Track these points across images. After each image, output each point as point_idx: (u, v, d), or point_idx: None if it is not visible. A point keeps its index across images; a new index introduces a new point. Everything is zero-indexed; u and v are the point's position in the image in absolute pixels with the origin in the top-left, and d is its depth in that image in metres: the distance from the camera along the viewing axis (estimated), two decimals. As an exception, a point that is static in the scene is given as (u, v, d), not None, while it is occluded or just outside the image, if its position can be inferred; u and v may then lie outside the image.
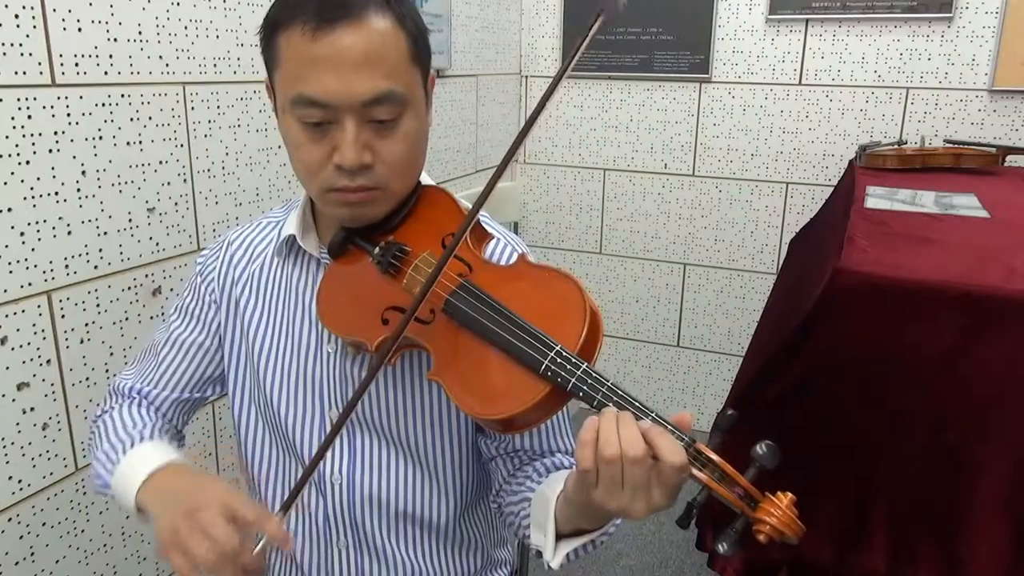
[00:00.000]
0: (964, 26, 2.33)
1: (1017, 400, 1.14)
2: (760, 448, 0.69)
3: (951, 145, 2.22)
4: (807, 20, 2.48)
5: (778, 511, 0.68)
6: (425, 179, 0.96)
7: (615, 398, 0.71)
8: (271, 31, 0.84)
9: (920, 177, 1.99)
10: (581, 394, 0.71)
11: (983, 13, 2.30)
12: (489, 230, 0.93)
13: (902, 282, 1.18)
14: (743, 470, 0.69)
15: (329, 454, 0.96)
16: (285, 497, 1.00)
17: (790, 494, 0.69)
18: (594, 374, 0.71)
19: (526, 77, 2.88)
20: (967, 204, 1.68)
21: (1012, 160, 2.22)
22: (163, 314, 1.45)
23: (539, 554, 0.85)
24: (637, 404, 0.71)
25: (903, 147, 2.24)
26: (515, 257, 0.95)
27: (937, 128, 2.42)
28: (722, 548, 0.69)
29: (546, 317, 0.76)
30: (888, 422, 1.21)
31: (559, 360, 0.72)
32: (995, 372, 1.14)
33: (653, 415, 0.70)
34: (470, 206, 0.83)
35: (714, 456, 0.69)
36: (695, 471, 0.69)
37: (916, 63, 2.40)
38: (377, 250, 0.88)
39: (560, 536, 0.82)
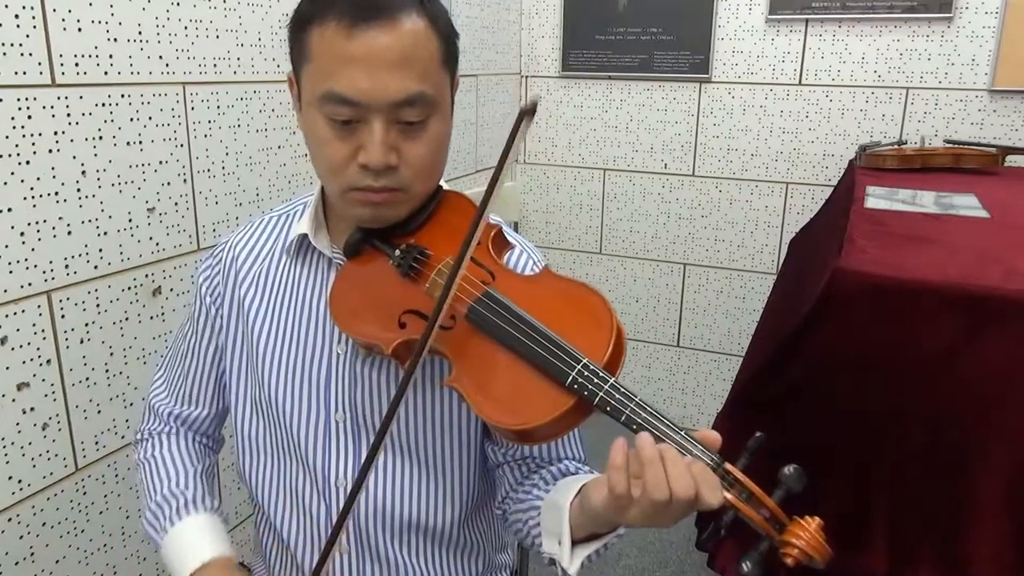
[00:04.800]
0: (964, 26, 2.33)
1: (1017, 400, 1.14)
2: (787, 470, 0.69)
3: (951, 145, 2.22)
4: (807, 20, 2.48)
5: (807, 534, 0.67)
6: (442, 184, 0.95)
7: (643, 414, 0.70)
8: (302, 25, 0.83)
9: (920, 177, 1.99)
10: (608, 409, 0.70)
11: (983, 13, 2.30)
12: (510, 240, 0.93)
13: (902, 282, 1.18)
14: (769, 492, 0.69)
15: (334, 459, 0.96)
16: (285, 501, 1.00)
17: (818, 518, 0.69)
18: (622, 389, 0.71)
19: (526, 77, 2.88)
20: (967, 204, 1.68)
21: (1012, 160, 2.22)
22: (163, 314, 1.45)
23: (551, 562, 0.84)
24: (666, 421, 0.70)
25: (903, 147, 2.24)
26: (532, 267, 0.95)
27: (937, 128, 2.42)
28: (746, 567, 0.68)
29: (572, 329, 0.75)
30: (888, 422, 1.21)
31: (586, 373, 0.71)
32: (995, 372, 1.14)
33: (682, 433, 0.70)
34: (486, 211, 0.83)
35: (742, 476, 0.69)
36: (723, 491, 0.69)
37: (916, 63, 2.40)
38: (398, 252, 0.87)
39: (575, 543, 0.82)
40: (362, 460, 0.96)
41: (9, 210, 1.16)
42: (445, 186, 0.95)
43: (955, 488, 1.18)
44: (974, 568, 1.17)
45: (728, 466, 0.69)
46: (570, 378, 0.71)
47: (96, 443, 1.35)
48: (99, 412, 1.35)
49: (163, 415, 1.08)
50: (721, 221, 2.74)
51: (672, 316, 2.89)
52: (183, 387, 1.07)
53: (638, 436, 0.70)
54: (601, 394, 0.70)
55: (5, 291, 1.17)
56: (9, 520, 1.23)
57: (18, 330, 1.20)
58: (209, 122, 1.49)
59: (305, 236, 0.95)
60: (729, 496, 0.68)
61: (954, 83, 2.38)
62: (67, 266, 1.26)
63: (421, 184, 0.87)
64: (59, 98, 1.21)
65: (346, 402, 0.95)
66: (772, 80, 2.57)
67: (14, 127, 1.15)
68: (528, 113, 0.69)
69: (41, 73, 1.18)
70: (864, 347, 1.21)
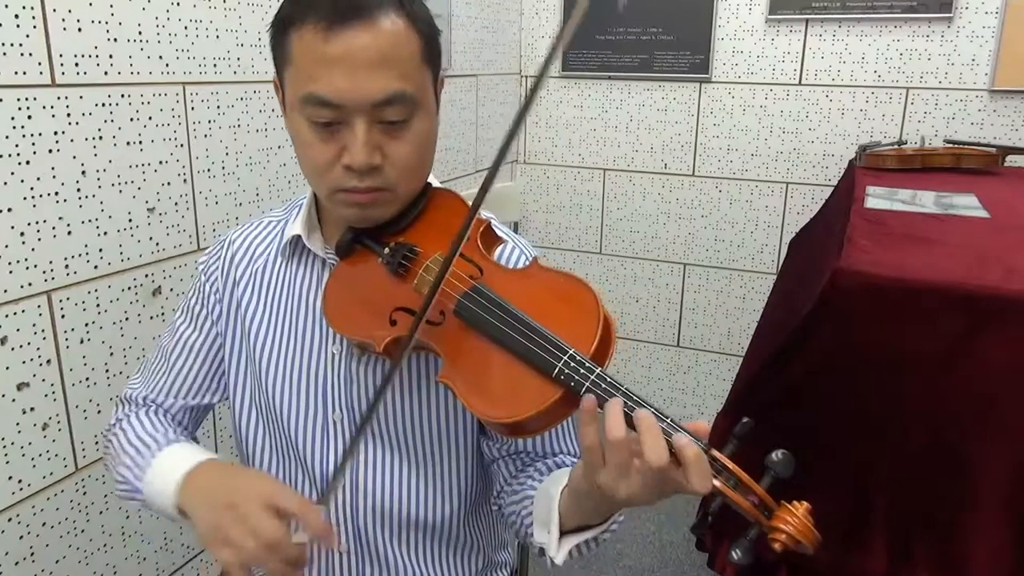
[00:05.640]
0: (964, 26, 2.33)
1: (1017, 400, 1.14)
2: (775, 456, 0.69)
3: (951, 145, 2.22)
4: (807, 20, 2.48)
5: (794, 519, 0.67)
6: (433, 181, 0.95)
7: (630, 404, 0.70)
8: (282, 28, 0.83)
9: (920, 177, 1.99)
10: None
11: (983, 13, 2.30)
12: (499, 234, 0.92)
13: (902, 282, 1.18)
14: (757, 478, 0.69)
15: (332, 458, 0.96)
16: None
17: (806, 503, 0.68)
18: (608, 378, 0.71)
19: (526, 77, 2.88)
20: (967, 204, 1.68)
21: (1012, 160, 2.22)
22: (163, 314, 1.45)
23: (541, 552, 0.85)
24: (651, 409, 0.70)
25: (903, 147, 2.24)
26: (523, 261, 0.95)
27: (937, 128, 2.42)
28: (736, 555, 0.68)
29: (559, 321, 0.75)
30: (888, 422, 1.21)
31: (572, 364, 0.71)
32: (995, 372, 1.14)
33: (668, 420, 0.70)
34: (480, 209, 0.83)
35: (729, 463, 0.69)
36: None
37: (916, 63, 2.40)
38: (387, 250, 0.88)
39: (564, 533, 0.82)
40: (360, 461, 0.96)
41: (9, 210, 1.16)
42: (435, 183, 0.95)
43: (954, 488, 1.18)
44: (972, 568, 1.17)
45: (715, 452, 0.69)
46: (556, 369, 0.71)
47: (96, 443, 1.35)
48: (99, 412, 1.35)
49: (136, 400, 1.06)
50: (721, 221, 2.74)
51: (672, 316, 2.89)
52: (163, 380, 1.04)
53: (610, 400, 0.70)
54: (587, 384, 0.70)
55: (5, 291, 1.17)
56: (9, 520, 1.23)
57: (18, 330, 1.20)
58: (209, 122, 1.49)
59: (299, 237, 0.96)
60: (717, 483, 0.68)
61: (954, 83, 2.38)
62: (67, 266, 1.26)
63: (407, 183, 0.87)
64: (59, 98, 1.21)
65: (342, 402, 0.95)
66: (772, 80, 2.57)
67: (14, 127, 1.15)
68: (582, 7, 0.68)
69: (41, 73, 1.18)
70: (864, 347, 1.21)
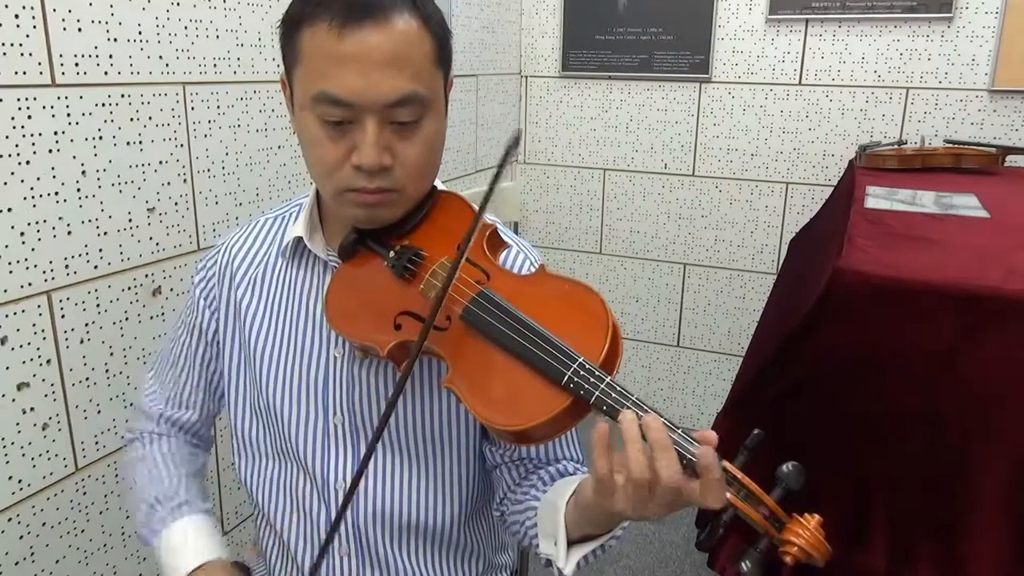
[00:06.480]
0: (964, 26, 2.33)
1: (1017, 400, 1.14)
2: (786, 468, 0.68)
3: (951, 145, 2.22)
4: (807, 20, 2.48)
5: (806, 532, 0.67)
6: (437, 183, 0.95)
7: (640, 414, 0.70)
8: (294, 26, 0.83)
9: (920, 177, 1.99)
10: (604, 408, 0.70)
11: (983, 13, 2.30)
12: (505, 239, 0.92)
13: (902, 282, 1.18)
14: (768, 490, 0.68)
15: (333, 461, 0.96)
16: (285, 503, 1.00)
17: (817, 516, 0.68)
18: (618, 388, 0.70)
19: (526, 77, 2.88)
20: (967, 204, 1.68)
21: (1012, 160, 2.22)
22: (163, 314, 1.45)
23: (548, 563, 0.84)
24: (664, 420, 0.70)
25: (903, 147, 2.24)
26: (528, 266, 0.94)
27: (937, 128, 2.42)
28: (745, 567, 0.67)
29: (567, 329, 0.74)
30: (888, 422, 1.21)
31: (582, 372, 0.70)
32: (995, 372, 1.14)
33: (680, 431, 0.69)
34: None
35: (740, 474, 0.68)
36: None
37: (916, 63, 2.40)
38: (392, 253, 0.87)
39: (570, 543, 0.82)
40: (360, 462, 0.95)
41: (9, 210, 1.16)
42: (441, 186, 0.95)
43: (954, 487, 1.18)
44: (973, 567, 1.18)
45: (726, 464, 0.68)
46: (566, 377, 0.70)
47: (96, 443, 1.35)
48: (99, 412, 1.35)
49: (154, 416, 1.09)
50: (721, 221, 2.74)
51: (672, 316, 2.89)
52: (174, 390, 1.07)
53: (620, 414, 0.69)
54: (597, 393, 0.69)
55: (5, 291, 1.17)
56: (9, 520, 1.23)
57: (18, 330, 1.20)
58: (209, 122, 1.49)
59: (300, 239, 0.95)
60: (728, 495, 0.67)
61: (954, 83, 2.38)
62: (67, 266, 1.26)
63: (415, 184, 0.87)
64: (59, 98, 1.21)
65: (344, 405, 0.94)
66: (772, 80, 2.57)
67: (14, 127, 1.15)
68: (513, 145, 0.70)
69: (41, 73, 1.18)
70: (864, 347, 1.21)
